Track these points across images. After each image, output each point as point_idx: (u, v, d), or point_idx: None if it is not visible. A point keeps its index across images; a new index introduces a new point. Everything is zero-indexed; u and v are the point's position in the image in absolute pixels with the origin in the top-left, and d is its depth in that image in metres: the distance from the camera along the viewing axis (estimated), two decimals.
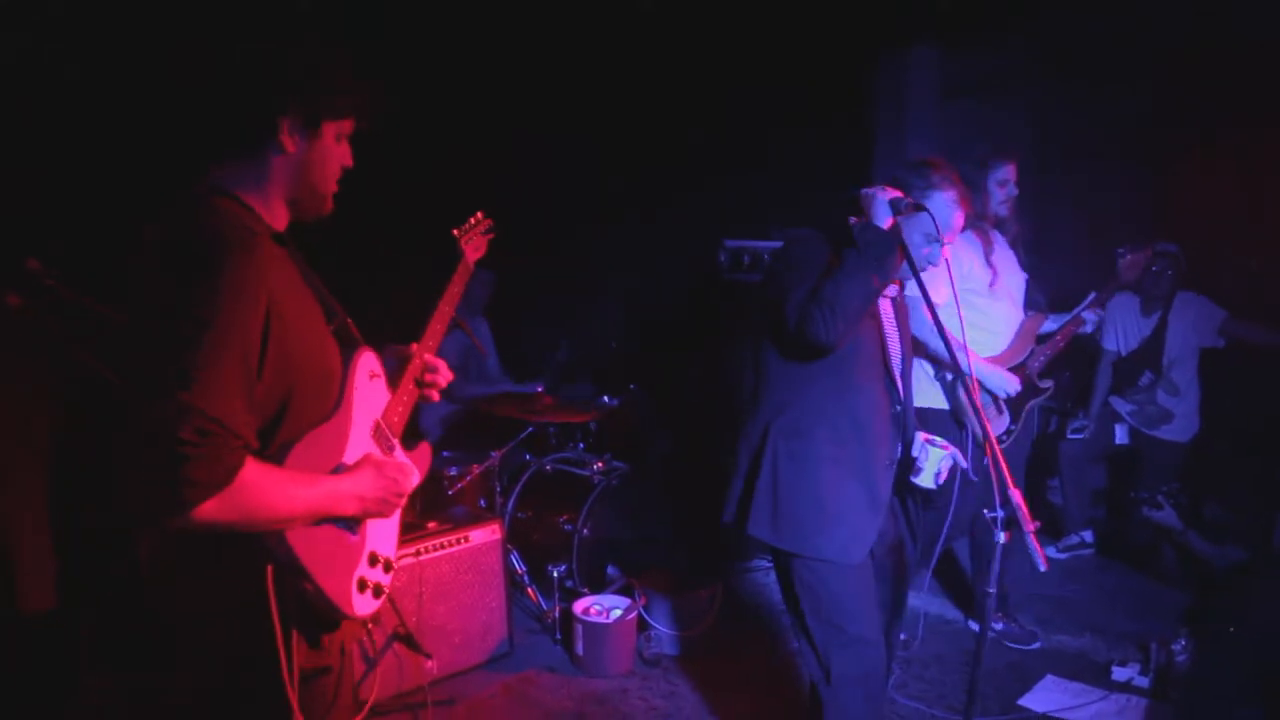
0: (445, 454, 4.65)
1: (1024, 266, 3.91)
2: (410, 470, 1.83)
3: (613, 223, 6.08)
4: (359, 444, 1.80)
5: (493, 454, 4.36)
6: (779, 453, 2.59)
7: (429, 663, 3.46)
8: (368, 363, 1.86)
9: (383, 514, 1.78)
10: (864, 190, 2.55)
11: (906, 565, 2.84)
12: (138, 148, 4.00)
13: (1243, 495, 4.76)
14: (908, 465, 2.62)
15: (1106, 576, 4.71)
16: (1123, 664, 3.80)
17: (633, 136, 5.87)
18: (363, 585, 1.74)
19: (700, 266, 5.59)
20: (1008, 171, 3.78)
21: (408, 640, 3.45)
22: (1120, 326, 4.90)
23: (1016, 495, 2.13)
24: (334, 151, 1.78)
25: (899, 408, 2.67)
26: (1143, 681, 3.70)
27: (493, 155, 5.70)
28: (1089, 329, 3.92)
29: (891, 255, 2.50)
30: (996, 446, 2.21)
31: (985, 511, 2.24)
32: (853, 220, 2.59)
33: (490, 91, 5.48)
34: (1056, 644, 4.07)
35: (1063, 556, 4.91)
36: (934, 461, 2.54)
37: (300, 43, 1.73)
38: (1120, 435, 4.82)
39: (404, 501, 1.82)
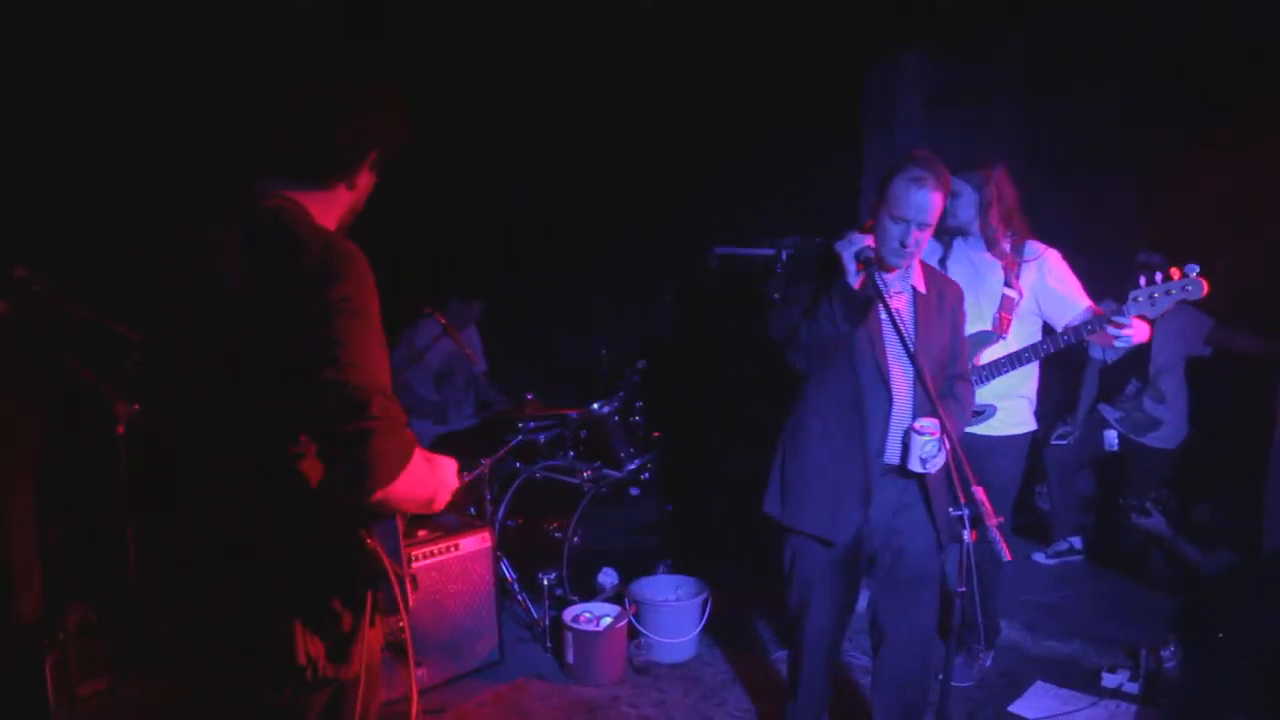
0: None
1: (1011, 285, 3.61)
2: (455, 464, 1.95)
3: (604, 230, 6.10)
4: None
5: (482, 462, 4.35)
6: (786, 444, 2.98)
7: (418, 670, 3.45)
8: None
9: (441, 504, 1.87)
10: (836, 244, 2.67)
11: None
12: (148, 158, 4.03)
13: (1232, 499, 4.77)
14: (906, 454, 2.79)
15: (1096, 583, 4.71)
16: (1112, 670, 3.80)
17: (621, 142, 5.89)
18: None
19: (691, 273, 5.62)
20: (956, 185, 3.52)
21: (396, 647, 3.43)
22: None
23: (979, 492, 2.25)
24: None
25: (889, 400, 2.81)
26: (1132, 688, 3.70)
27: (490, 156, 5.73)
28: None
29: (858, 311, 2.67)
30: (957, 443, 2.36)
31: (950, 510, 2.35)
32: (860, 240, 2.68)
33: (488, 93, 5.50)
34: (1046, 650, 4.07)
35: (1052, 563, 4.92)
36: (917, 447, 2.70)
37: (392, 89, 1.85)
38: (1110, 442, 4.82)
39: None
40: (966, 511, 2.27)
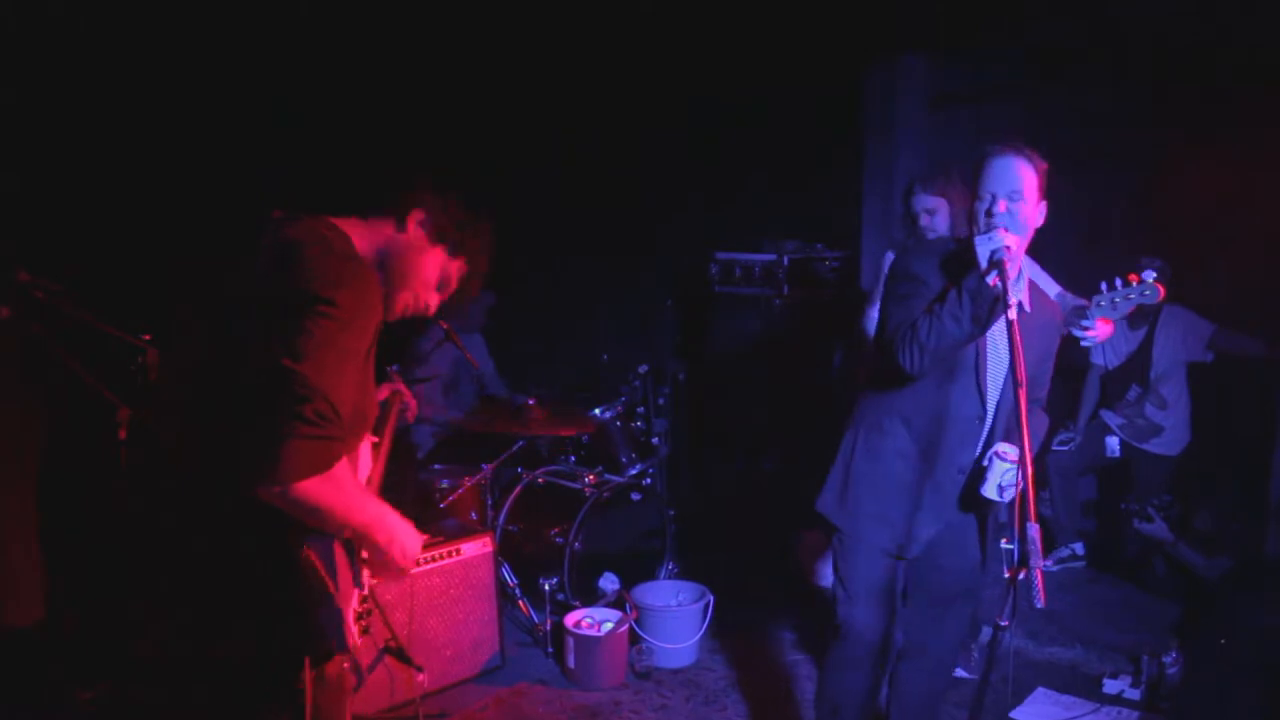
0: (436, 467, 4.64)
1: None
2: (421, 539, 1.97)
3: (604, 233, 6.09)
4: None
5: (484, 467, 4.35)
6: (858, 445, 2.80)
7: (420, 676, 3.45)
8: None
9: (390, 565, 1.89)
10: (976, 238, 2.50)
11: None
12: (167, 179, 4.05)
13: (1233, 505, 4.77)
14: (979, 475, 2.63)
15: (1097, 588, 4.71)
16: (1114, 676, 3.81)
17: (622, 144, 5.88)
18: (357, 617, 1.88)
19: (691, 277, 5.61)
20: (929, 201, 3.58)
21: (398, 653, 3.43)
22: (1106, 340, 4.89)
23: (1035, 530, 2.10)
24: (435, 269, 1.96)
25: (982, 417, 2.67)
26: (1134, 694, 3.70)
27: (489, 157, 5.72)
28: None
29: (988, 311, 2.45)
30: (1030, 473, 2.16)
31: (1002, 543, 2.25)
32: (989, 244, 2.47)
33: (487, 93, 5.50)
34: (1048, 656, 4.07)
35: (1054, 569, 4.91)
36: (998, 473, 2.54)
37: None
38: (1112, 448, 4.81)
39: (408, 569, 1.94)
40: (1016, 547, 2.12)
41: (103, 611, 3.33)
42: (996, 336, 2.64)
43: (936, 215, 3.62)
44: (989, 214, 2.51)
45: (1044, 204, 2.63)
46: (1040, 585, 2.06)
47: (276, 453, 1.55)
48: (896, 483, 2.73)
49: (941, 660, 3.00)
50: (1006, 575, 2.14)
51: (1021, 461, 2.17)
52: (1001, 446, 2.56)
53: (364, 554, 1.92)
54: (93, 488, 3.40)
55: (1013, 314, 2.33)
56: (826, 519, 2.86)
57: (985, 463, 2.59)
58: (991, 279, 2.41)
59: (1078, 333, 3.29)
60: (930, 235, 3.61)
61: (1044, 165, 2.59)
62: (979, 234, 2.52)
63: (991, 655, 2.37)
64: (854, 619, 2.85)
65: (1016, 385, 2.21)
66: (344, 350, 1.63)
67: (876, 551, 2.80)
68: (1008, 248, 2.41)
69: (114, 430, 3.11)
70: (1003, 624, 2.24)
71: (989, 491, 2.56)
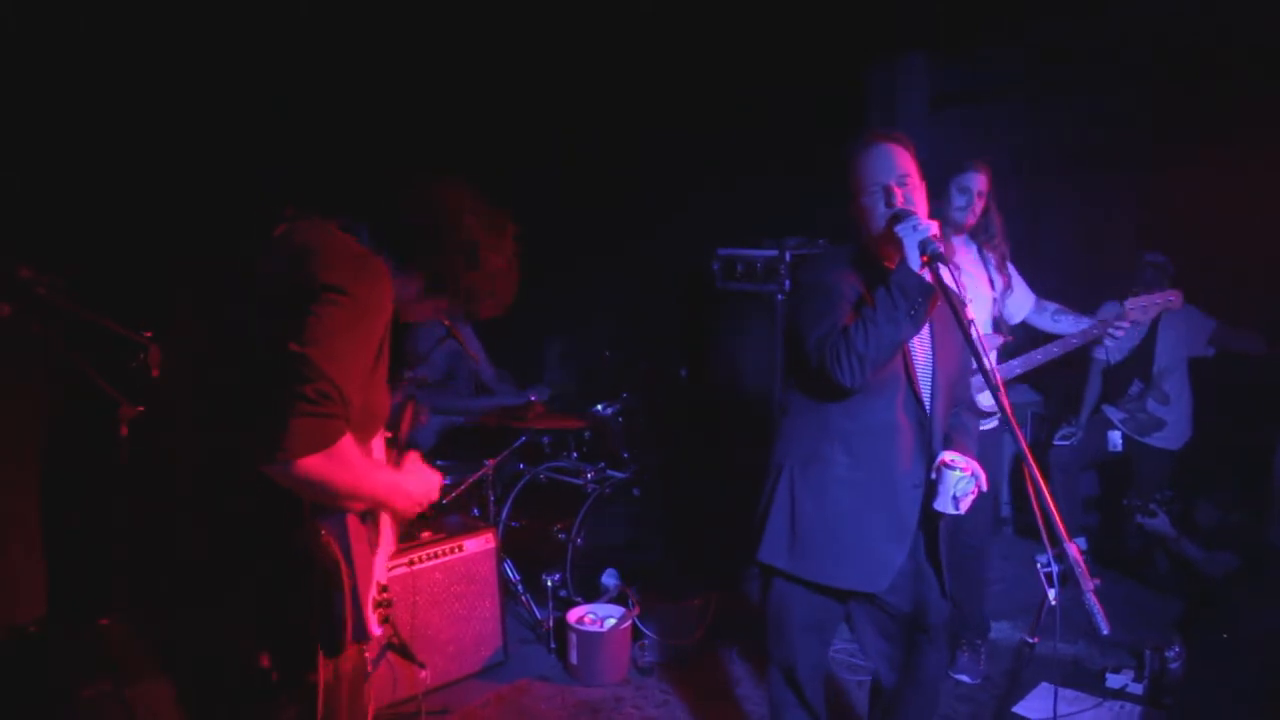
0: (439, 463, 4.63)
1: (994, 285, 3.66)
2: (439, 479, 2.07)
3: (605, 231, 6.10)
4: None
5: (486, 463, 4.35)
6: (796, 483, 2.53)
7: (422, 672, 3.44)
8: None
9: (408, 515, 1.96)
10: (897, 227, 2.29)
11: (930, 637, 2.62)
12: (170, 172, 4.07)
13: (1234, 499, 4.78)
14: (931, 490, 2.43)
15: (1100, 584, 4.70)
16: (1117, 671, 3.80)
17: (624, 143, 5.89)
18: (376, 604, 1.88)
19: (693, 274, 5.61)
20: (971, 179, 3.54)
21: (401, 649, 3.42)
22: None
23: (1075, 550, 1.96)
24: (425, 305, 1.95)
25: (926, 423, 2.47)
26: (1137, 689, 3.70)
27: (489, 156, 5.72)
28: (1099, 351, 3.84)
29: (923, 306, 2.27)
30: (1041, 482, 2.00)
31: (1039, 562, 2.06)
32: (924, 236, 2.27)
33: (486, 92, 5.50)
34: (1050, 651, 4.06)
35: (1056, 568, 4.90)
36: (951, 484, 2.35)
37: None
38: (1114, 442, 4.82)
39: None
40: (1056, 567, 1.97)
41: (105, 610, 3.33)
42: (913, 340, 2.45)
43: (988, 195, 3.58)
44: (889, 204, 2.36)
45: (923, 184, 2.48)
46: (1100, 610, 1.92)
47: (279, 430, 1.56)
48: (850, 515, 2.47)
49: (933, 687, 2.73)
50: (1053, 603, 2.00)
51: (1032, 478, 1.98)
52: (948, 456, 2.39)
53: (379, 540, 1.93)
54: (94, 485, 3.39)
55: (970, 312, 2.18)
56: (773, 568, 2.57)
57: (934, 475, 2.41)
58: (918, 269, 2.25)
59: (1114, 332, 3.58)
60: (973, 219, 3.57)
61: (913, 146, 2.45)
62: (878, 229, 2.37)
63: (1018, 671, 2.31)
64: (795, 661, 2.65)
65: (994, 389, 2.05)
66: (353, 339, 1.64)
67: (832, 593, 2.56)
68: (935, 236, 2.24)
69: (115, 427, 3.11)
70: (1031, 640, 2.18)
71: (944, 505, 2.37)
